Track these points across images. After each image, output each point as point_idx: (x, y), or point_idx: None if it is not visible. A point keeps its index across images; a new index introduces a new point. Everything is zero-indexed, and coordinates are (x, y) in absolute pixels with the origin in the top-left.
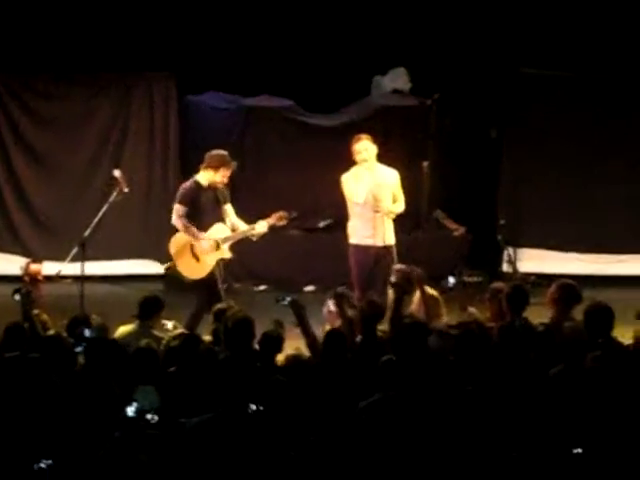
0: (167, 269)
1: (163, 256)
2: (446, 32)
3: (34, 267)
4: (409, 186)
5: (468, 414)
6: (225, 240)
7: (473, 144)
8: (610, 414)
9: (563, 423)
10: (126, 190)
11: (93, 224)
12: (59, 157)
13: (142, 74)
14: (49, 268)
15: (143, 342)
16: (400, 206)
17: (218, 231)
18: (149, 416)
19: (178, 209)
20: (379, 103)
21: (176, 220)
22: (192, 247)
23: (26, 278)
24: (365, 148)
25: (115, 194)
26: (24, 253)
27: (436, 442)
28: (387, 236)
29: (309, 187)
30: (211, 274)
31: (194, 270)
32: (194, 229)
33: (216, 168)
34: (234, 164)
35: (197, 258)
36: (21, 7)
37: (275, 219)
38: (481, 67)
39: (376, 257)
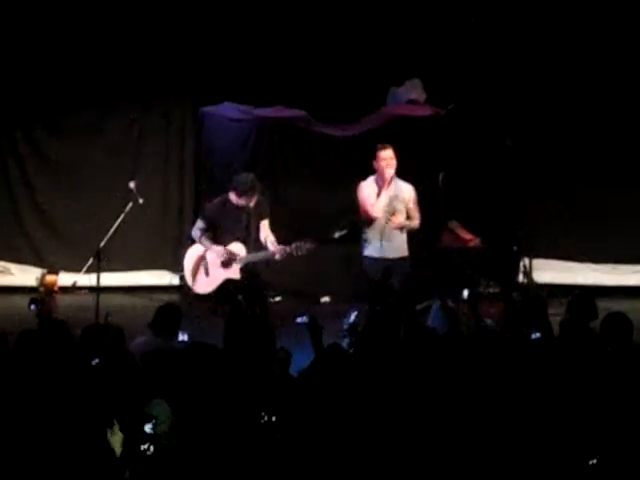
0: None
1: (179, 267)
2: (460, 43)
3: (50, 278)
4: (424, 197)
5: (475, 423)
6: (239, 260)
7: (488, 154)
8: (627, 425)
9: (579, 433)
10: (141, 201)
11: (109, 235)
12: (75, 168)
13: (158, 85)
14: (65, 279)
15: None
16: (415, 222)
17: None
18: (144, 447)
19: (197, 222)
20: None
21: (193, 231)
22: (205, 261)
23: (42, 289)
24: (393, 156)
25: (130, 205)
26: (40, 264)
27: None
28: (400, 248)
29: (324, 197)
30: (225, 289)
31: (203, 284)
32: (207, 241)
33: (238, 194)
34: (257, 189)
35: (207, 273)
36: (39, 21)
37: (293, 249)
38: (496, 77)
39: (389, 269)
